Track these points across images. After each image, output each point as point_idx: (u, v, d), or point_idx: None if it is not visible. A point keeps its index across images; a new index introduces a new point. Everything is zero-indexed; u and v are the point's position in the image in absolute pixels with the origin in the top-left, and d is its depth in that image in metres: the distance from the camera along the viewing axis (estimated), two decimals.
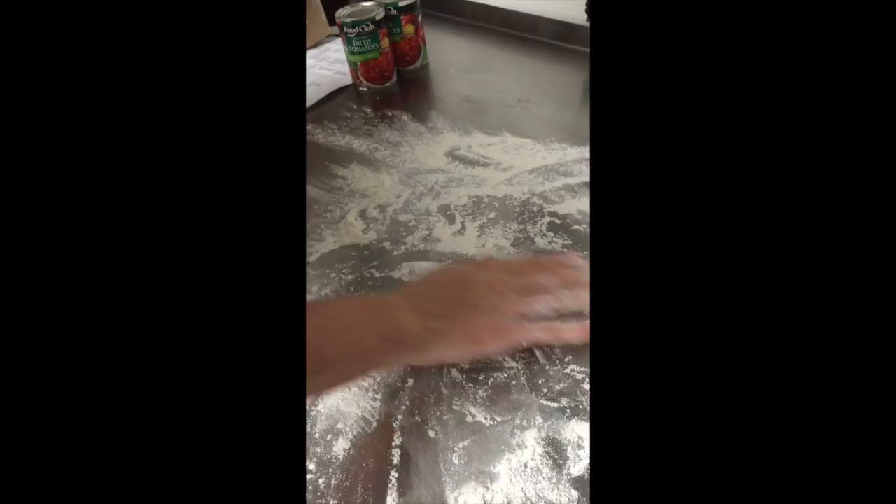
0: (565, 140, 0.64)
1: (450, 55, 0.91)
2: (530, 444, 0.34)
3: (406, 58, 0.85)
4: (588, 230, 0.51)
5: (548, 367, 0.39)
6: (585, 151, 0.62)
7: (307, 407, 0.38)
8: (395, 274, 0.49)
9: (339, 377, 0.33)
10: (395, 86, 0.84)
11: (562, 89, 0.77)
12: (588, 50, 0.85)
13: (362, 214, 0.57)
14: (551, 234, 0.51)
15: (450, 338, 0.35)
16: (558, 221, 0.52)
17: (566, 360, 0.39)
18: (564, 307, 0.38)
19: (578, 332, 0.38)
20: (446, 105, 0.77)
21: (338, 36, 0.83)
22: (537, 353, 0.39)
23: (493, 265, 0.40)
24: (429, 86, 0.84)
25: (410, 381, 0.40)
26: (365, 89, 0.82)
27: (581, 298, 0.38)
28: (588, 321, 0.38)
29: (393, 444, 0.36)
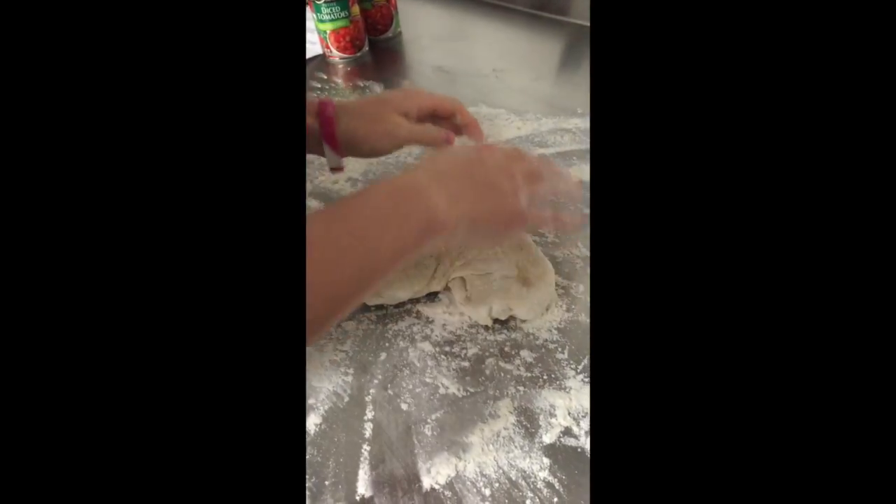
0: (540, 110, 0.63)
1: (423, 24, 0.89)
2: (503, 413, 0.34)
3: (377, 26, 0.82)
4: (561, 202, 0.50)
5: (520, 339, 0.39)
6: (561, 122, 0.61)
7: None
8: None
9: (368, 283, 0.31)
10: (367, 55, 0.81)
11: (537, 59, 0.75)
12: (565, 19, 0.83)
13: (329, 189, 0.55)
14: None
15: (479, 223, 0.34)
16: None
17: (538, 331, 0.39)
18: (560, 193, 0.39)
19: (578, 219, 0.40)
20: (419, 75, 0.75)
21: (306, 3, 0.80)
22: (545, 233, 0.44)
23: (493, 148, 0.38)
24: (401, 56, 0.82)
25: (383, 356, 0.39)
26: (335, 59, 0.79)
27: (573, 192, 0.40)
28: (581, 211, 0.40)
29: (365, 418, 0.35)
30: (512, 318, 0.40)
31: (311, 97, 0.43)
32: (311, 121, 0.43)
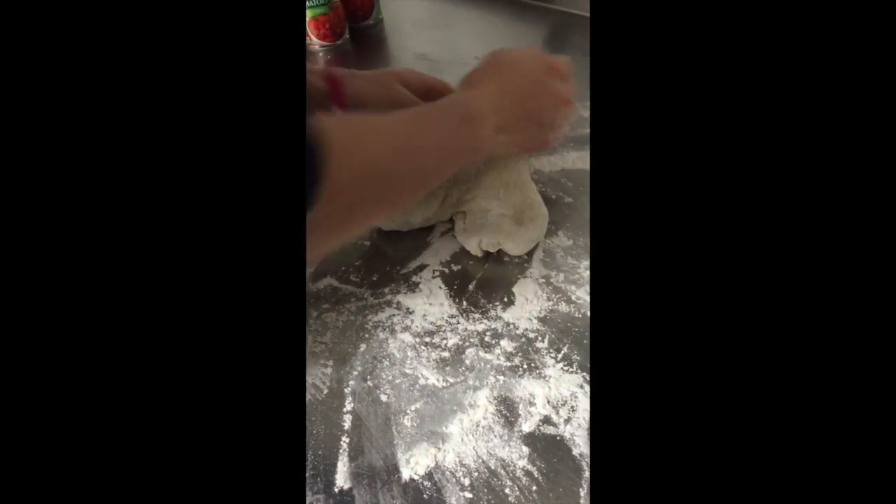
0: None
1: (405, 10, 0.87)
2: (482, 403, 0.34)
3: (358, 13, 0.81)
4: (544, 190, 0.50)
5: (500, 329, 0.39)
6: None
7: None
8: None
9: (420, 184, 0.37)
10: (348, 43, 0.80)
11: (520, 46, 0.75)
12: (548, 6, 0.82)
13: None
14: None
15: (511, 150, 0.42)
16: None
17: (518, 320, 0.39)
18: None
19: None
20: (402, 63, 0.74)
21: None
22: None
23: (551, 74, 0.42)
24: (383, 43, 0.81)
25: (362, 347, 0.39)
26: (315, 47, 0.78)
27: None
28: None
29: (344, 409, 0.35)
30: (492, 306, 0.40)
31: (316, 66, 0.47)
32: (318, 83, 0.44)
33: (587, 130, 0.57)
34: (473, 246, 0.44)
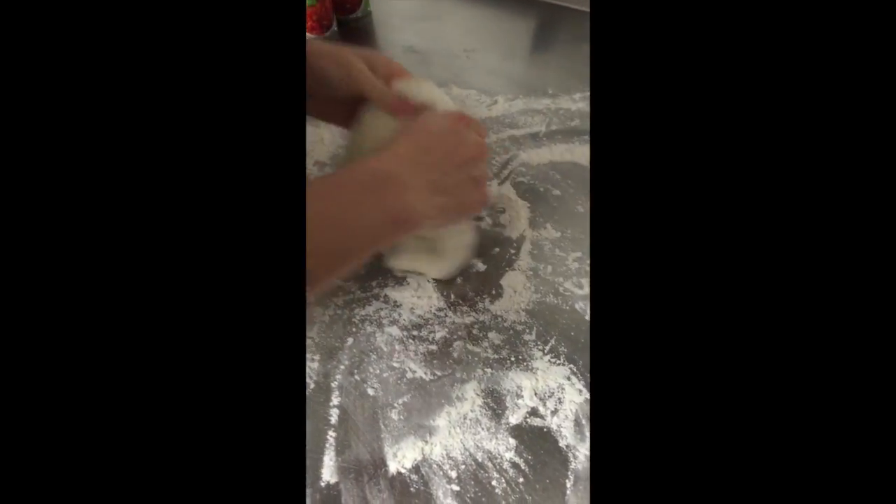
0: (511, 91, 0.62)
1: (393, 3, 0.87)
2: (470, 396, 0.34)
3: (346, 5, 0.80)
4: (532, 182, 0.50)
5: (488, 321, 0.39)
6: (531, 102, 0.60)
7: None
8: None
9: (341, 263, 0.30)
10: (335, 36, 0.79)
11: (509, 38, 0.74)
12: None
13: None
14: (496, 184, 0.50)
15: (449, 212, 0.34)
16: (505, 173, 0.51)
17: (506, 313, 0.39)
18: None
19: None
20: (390, 56, 0.73)
21: None
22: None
23: (465, 121, 0.37)
24: (371, 36, 0.80)
25: (350, 341, 0.38)
26: None
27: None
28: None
29: (331, 404, 0.35)
30: (480, 298, 0.40)
31: None
32: None
33: (574, 123, 0.56)
34: (395, 265, 0.42)
